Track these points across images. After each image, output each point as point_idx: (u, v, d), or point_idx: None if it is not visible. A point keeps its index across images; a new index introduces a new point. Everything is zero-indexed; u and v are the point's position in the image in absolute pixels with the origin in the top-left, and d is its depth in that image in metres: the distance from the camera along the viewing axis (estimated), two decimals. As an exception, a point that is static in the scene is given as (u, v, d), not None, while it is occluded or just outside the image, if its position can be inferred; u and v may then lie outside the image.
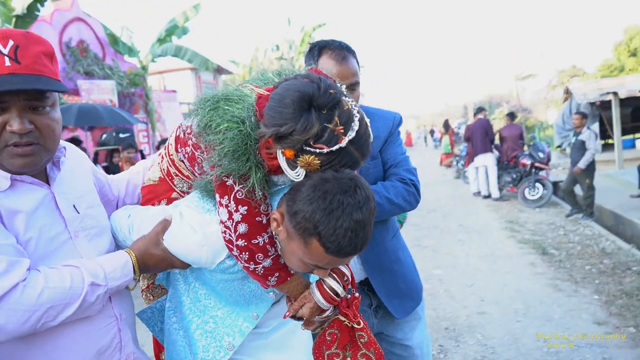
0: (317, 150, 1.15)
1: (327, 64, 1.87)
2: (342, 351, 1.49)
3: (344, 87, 1.31)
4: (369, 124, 1.26)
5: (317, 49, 1.91)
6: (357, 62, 1.94)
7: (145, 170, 1.74)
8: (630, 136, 17.71)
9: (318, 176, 1.19)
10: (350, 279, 1.43)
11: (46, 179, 1.38)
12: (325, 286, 1.38)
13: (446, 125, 17.33)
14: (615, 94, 12.79)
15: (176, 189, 1.57)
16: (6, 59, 1.19)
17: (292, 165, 1.19)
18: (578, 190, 8.42)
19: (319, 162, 1.17)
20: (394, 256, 2.01)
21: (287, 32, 29.68)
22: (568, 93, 16.40)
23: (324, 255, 1.22)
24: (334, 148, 1.16)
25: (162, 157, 1.61)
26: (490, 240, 7.28)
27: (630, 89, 12.70)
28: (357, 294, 1.49)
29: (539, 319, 4.30)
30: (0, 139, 1.23)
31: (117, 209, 1.68)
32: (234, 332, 1.49)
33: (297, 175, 1.21)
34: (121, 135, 7.93)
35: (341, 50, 1.88)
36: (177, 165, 1.53)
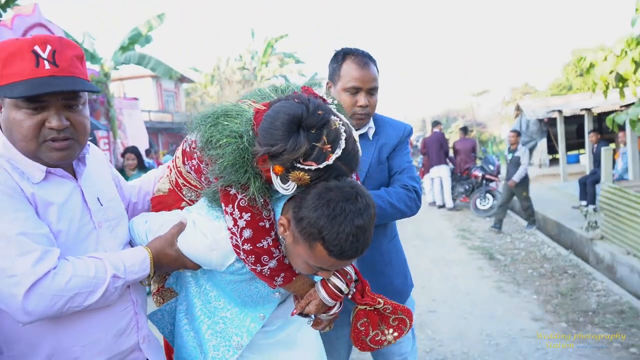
0: (307, 167, 1.23)
1: (349, 68, 1.99)
2: (378, 329, 1.58)
3: (335, 103, 1.41)
4: (357, 139, 1.33)
5: (342, 55, 2.03)
6: (377, 70, 2.04)
7: (156, 180, 1.82)
8: (575, 152, 18.75)
9: (322, 185, 1.27)
10: (352, 278, 1.52)
11: (73, 174, 1.47)
12: (329, 284, 1.46)
13: None
14: (560, 111, 13.64)
15: (185, 199, 1.64)
16: (45, 62, 1.27)
17: (284, 179, 1.27)
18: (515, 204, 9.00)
19: (308, 177, 1.25)
20: (387, 259, 2.10)
21: (249, 43, 29.83)
22: (519, 109, 17.28)
23: (327, 259, 1.30)
24: (322, 165, 1.23)
25: (171, 170, 1.68)
26: (443, 247, 7.71)
27: (574, 107, 13.56)
28: (364, 280, 1.57)
29: (483, 316, 4.68)
30: (40, 134, 1.32)
31: (126, 211, 1.74)
32: (242, 332, 1.56)
33: (287, 188, 1.28)
34: None
35: (363, 57, 2.00)
36: (185, 176, 1.60)
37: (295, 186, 1.27)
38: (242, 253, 1.39)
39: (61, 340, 1.37)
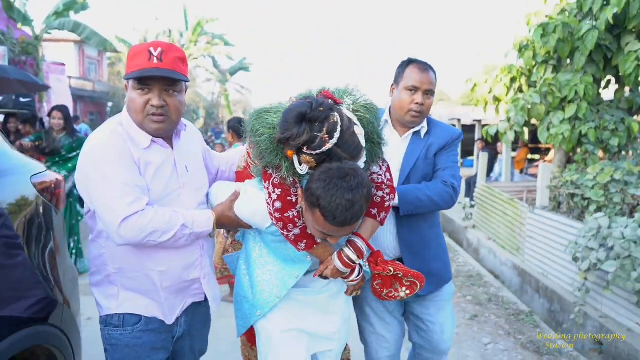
0: (309, 152, 1.49)
1: (411, 71, 2.23)
2: (392, 287, 1.83)
3: (350, 105, 1.65)
4: (356, 132, 1.55)
5: (407, 62, 2.28)
6: (436, 77, 2.27)
7: (240, 154, 2.16)
8: (471, 157, 20.94)
9: (326, 165, 1.51)
10: (364, 252, 1.74)
11: (171, 145, 1.83)
12: (343, 255, 1.70)
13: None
14: (459, 120, 15.46)
15: (252, 174, 1.88)
16: (155, 58, 1.66)
17: (299, 162, 1.53)
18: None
19: (314, 160, 1.51)
20: (426, 243, 2.29)
21: (179, 20, 29.60)
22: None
23: (324, 223, 1.52)
24: (319, 151, 1.49)
25: (247, 152, 1.97)
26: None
27: (474, 117, 15.41)
28: (377, 250, 1.80)
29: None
30: (145, 109, 1.70)
31: (215, 177, 2.14)
32: (281, 284, 1.83)
33: (302, 169, 1.54)
34: (22, 100, 7.82)
35: (424, 64, 2.25)
36: (252, 157, 1.85)
37: (307, 167, 1.53)
38: (273, 220, 1.67)
39: (144, 264, 1.76)
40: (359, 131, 1.57)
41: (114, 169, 1.63)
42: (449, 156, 2.26)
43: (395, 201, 2.03)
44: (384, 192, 1.78)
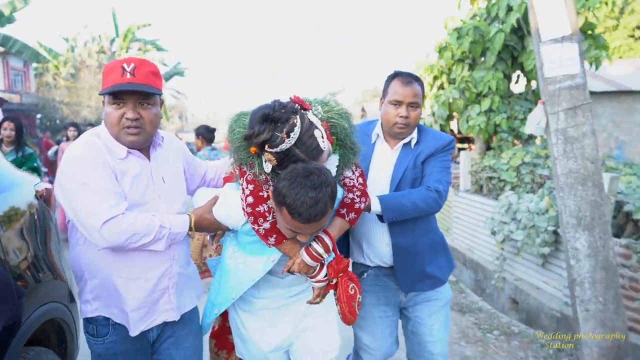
0: (270, 150, 1.57)
1: (395, 85, 2.26)
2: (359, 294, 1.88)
3: (319, 111, 1.74)
4: (316, 135, 1.61)
5: (392, 75, 2.31)
6: (423, 90, 2.29)
7: (226, 165, 2.16)
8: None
9: (292, 165, 1.57)
10: (331, 248, 1.78)
11: (148, 156, 1.87)
12: (311, 249, 1.75)
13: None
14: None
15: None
16: (127, 74, 1.72)
17: (264, 160, 1.62)
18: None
19: (274, 158, 1.58)
20: (420, 249, 2.30)
21: (108, 27, 28.94)
22: (364, 111, 19.84)
23: (291, 220, 1.58)
24: (278, 149, 1.56)
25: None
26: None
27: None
28: (340, 254, 1.85)
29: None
30: (120, 123, 1.75)
31: (202, 185, 2.19)
32: (239, 286, 1.89)
33: (267, 166, 1.63)
34: None
35: (408, 77, 2.26)
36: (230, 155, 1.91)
37: (270, 165, 1.62)
38: (245, 214, 1.74)
39: (114, 272, 1.80)
40: (319, 134, 1.63)
41: (93, 176, 1.69)
42: (437, 162, 2.27)
43: (379, 208, 2.11)
44: (354, 195, 1.86)
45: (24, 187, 2.15)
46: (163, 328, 1.96)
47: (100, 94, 1.76)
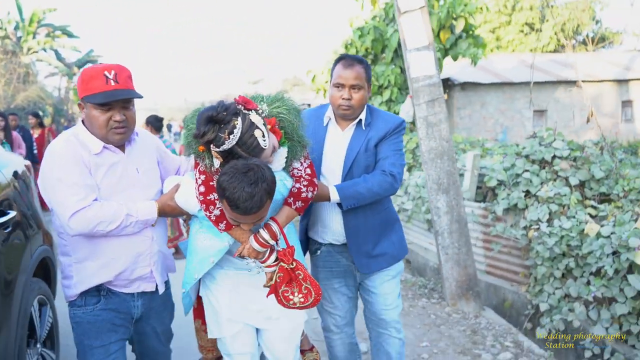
0: (214, 149, 1.71)
1: (338, 69, 2.30)
2: (290, 288, 1.88)
3: (264, 110, 1.83)
4: (256, 134, 1.72)
5: (338, 59, 2.36)
6: (366, 72, 2.29)
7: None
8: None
9: (233, 162, 1.69)
10: (278, 236, 1.88)
11: (123, 150, 2.02)
12: (259, 236, 1.85)
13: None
14: (309, 105, 17.28)
15: None
16: (112, 81, 1.86)
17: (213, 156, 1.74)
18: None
19: (220, 155, 1.72)
20: (371, 229, 2.37)
21: (9, 11, 27.42)
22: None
23: (231, 211, 1.70)
24: (221, 149, 1.69)
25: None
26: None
27: (321, 102, 17.30)
28: (292, 245, 1.89)
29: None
30: (108, 124, 1.90)
31: (176, 174, 2.27)
32: (200, 267, 1.99)
33: (215, 162, 1.75)
34: None
35: (350, 60, 2.29)
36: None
37: (218, 161, 1.74)
38: (198, 201, 1.86)
39: (98, 254, 1.96)
40: (259, 134, 1.73)
41: (66, 171, 1.87)
42: (389, 145, 2.31)
43: (337, 197, 2.20)
44: (301, 184, 1.95)
45: (19, 163, 2.84)
46: (147, 306, 2.12)
47: (89, 102, 1.89)
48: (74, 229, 1.85)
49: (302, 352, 2.43)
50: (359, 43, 8.20)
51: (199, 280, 2.08)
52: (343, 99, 2.26)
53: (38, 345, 2.50)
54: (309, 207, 2.21)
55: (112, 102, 1.89)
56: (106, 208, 1.89)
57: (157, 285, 2.11)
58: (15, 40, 26.87)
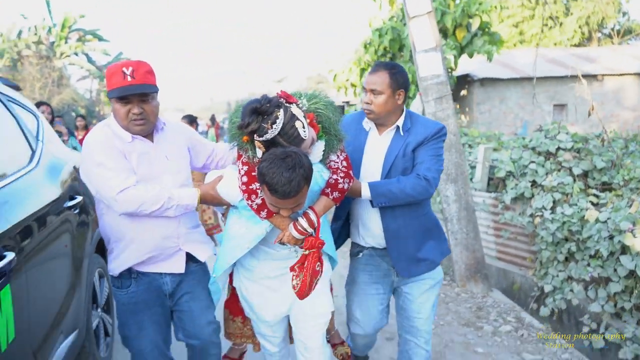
0: (258, 139, 1.81)
1: (367, 73, 2.39)
2: (299, 270, 1.95)
3: (305, 104, 1.93)
4: (297, 125, 1.81)
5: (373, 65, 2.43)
6: (392, 78, 2.28)
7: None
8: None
9: (273, 149, 1.78)
10: (316, 226, 1.96)
11: (152, 139, 2.15)
12: (297, 224, 1.93)
13: (212, 119, 19.30)
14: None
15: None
16: (128, 77, 1.99)
17: (256, 146, 1.85)
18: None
19: (263, 145, 1.82)
20: (410, 233, 2.38)
21: (44, 17, 28.44)
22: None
23: (270, 196, 1.78)
24: (263, 138, 1.79)
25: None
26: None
27: (343, 100, 17.59)
28: (322, 239, 1.96)
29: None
30: (128, 117, 2.04)
31: (209, 164, 2.41)
32: (232, 255, 2.10)
33: (258, 151, 1.85)
34: None
35: (376, 66, 2.36)
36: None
37: (260, 151, 1.84)
38: (241, 191, 1.94)
39: (131, 234, 2.11)
40: (300, 125, 1.81)
41: (105, 156, 2.02)
42: (427, 150, 2.32)
43: (368, 194, 2.25)
44: (338, 176, 2.02)
45: (77, 158, 3.13)
46: (179, 284, 2.26)
47: (109, 96, 2.06)
48: (121, 206, 1.99)
49: (334, 345, 2.59)
50: (377, 43, 8.55)
51: (231, 271, 2.23)
52: (365, 102, 2.34)
53: (99, 310, 2.98)
54: (349, 209, 2.43)
55: (129, 96, 2.02)
56: (150, 190, 2.02)
57: (185, 270, 2.23)
58: (48, 45, 27.90)
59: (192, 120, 6.63)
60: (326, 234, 2.18)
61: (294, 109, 1.85)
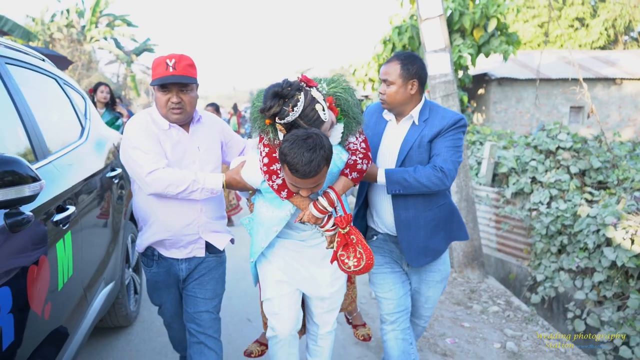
0: (279, 121, 1.85)
1: (383, 65, 2.41)
2: (346, 252, 2.04)
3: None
4: (317, 108, 1.85)
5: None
6: (403, 68, 2.29)
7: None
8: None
9: (294, 130, 1.83)
10: (336, 203, 2.01)
11: (188, 130, 2.28)
12: (318, 203, 1.99)
13: (235, 107, 19.64)
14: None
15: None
16: (170, 68, 2.11)
17: (277, 128, 1.91)
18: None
19: (284, 127, 1.86)
20: (422, 223, 2.39)
21: (77, 2, 29.09)
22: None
23: (291, 176, 1.83)
24: (285, 121, 1.84)
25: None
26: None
27: (362, 94, 17.86)
28: (349, 213, 2.06)
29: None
30: (167, 105, 2.16)
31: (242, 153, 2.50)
32: (265, 237, 2.19)
33: (280, 134, 1.90)
34: None
35: (392, 57, 2.39)
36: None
37: (281, 133, 1.90)
38: (262, 172, 2.01)
39: (155, 216, 2.26)
40: (320, 108, 1.85)
41: (141, 141, 2.16)
42: (444, 141, 2.29)
43: (383, 179, 2.27)
44: (357, 157, 2.08)
45: (116, 136, 3.51)
46: (192, 271, 2.39)
47: (151, 85, 2.18)
48: (151, 187, 2.11)
49: (355, 326, 2.69)
50: (397, 40, 8.84)
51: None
52: (380, 92, 2.38)
53: (130, 270, 3.41)
54: (366, 196, 2.49)
55: (169, 86, 2.15)
56: (176, 172, 2.13)
57: (205, 254, 2.36)
58: (79, 28, 28.59)
59: (216, 108, 7.09)
60: (348, 211, 2.20)
61: (314, 92, 1.88)
